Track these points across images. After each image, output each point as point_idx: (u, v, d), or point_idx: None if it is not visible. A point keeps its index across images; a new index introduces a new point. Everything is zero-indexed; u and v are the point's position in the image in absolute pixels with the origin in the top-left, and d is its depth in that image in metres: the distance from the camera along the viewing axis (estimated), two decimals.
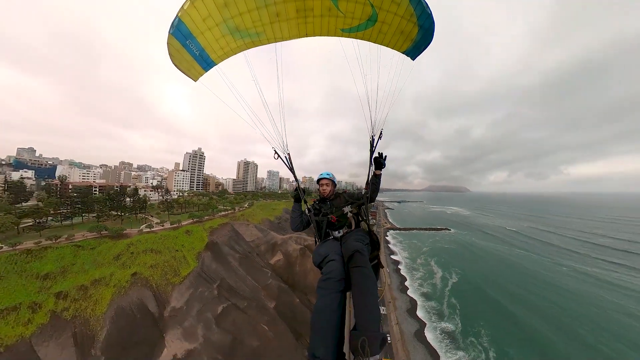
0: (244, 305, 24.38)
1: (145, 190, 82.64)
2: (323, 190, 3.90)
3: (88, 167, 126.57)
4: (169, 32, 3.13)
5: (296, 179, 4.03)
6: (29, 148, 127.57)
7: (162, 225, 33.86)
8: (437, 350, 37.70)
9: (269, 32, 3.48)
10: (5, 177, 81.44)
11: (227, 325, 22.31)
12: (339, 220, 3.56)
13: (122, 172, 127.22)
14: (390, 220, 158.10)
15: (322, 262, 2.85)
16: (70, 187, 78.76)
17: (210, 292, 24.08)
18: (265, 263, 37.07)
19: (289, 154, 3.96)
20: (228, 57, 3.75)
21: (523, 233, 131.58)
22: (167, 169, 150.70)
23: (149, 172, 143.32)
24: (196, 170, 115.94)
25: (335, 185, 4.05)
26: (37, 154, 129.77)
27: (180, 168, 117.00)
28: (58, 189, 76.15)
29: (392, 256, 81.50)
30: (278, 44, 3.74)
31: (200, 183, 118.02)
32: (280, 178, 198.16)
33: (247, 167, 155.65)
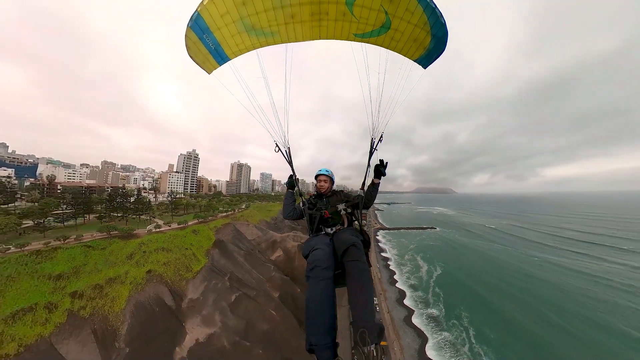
0: (253, 294, 27.02)
1: (145, 192, 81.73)
2: (320, 186, 3.95)
3: (69, 166, 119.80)
4: (188, 25, 3.24)
5: (293, 171, 4.09)
6: (0, 143, 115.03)
7: (169, 226, 35.66)
8: (425, 332, 42.06)
9: (283, 33, 3.54)
10: None
11: (240, 311, 24.90)
12: (332, 218, 3.59)
13: (110, 173, 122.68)
14: (380, 221, 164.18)
15: (310, 253, 2.87)
16: (58, 187, 76.42)
17: (222, 284, 26.56)
18: (267, 259, 39.82)
19: (289, 148, 4.06)
20: (242, 54, 3.82)
21: (501, 230, 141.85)
22: (154, 169, 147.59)
23: (136, 173, 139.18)
24: (190, 172, 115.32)
25: (333, 182, 4.08)
26: (9, 150, 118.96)
27: (174, 169, 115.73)
28: (46, 189, 73.47)
29: (382, 253, 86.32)
30: (289, 45, 3.74)
31: (195, 185, 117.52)
32: (272, 180, 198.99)
33: (240, 169, 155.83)
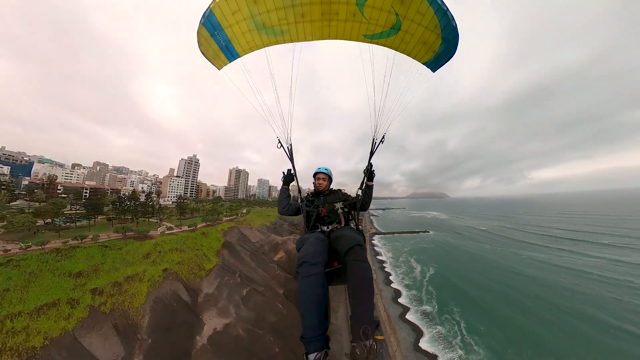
0: (261, 289, 29.33)
1: (152, 195, 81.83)
2: (319, 184, 3.96)
3: (62, 165, 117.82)
4: (200, 21, 3.33)
5: (294, 167, 4.11)
6: None
7: (180, 228, 37.82)
8: (419, 327, 44.76)
9: (293, 32, 3.57)
10: None
11: (251, 304, 27.15)
12: (329, 216, 3.63)
13: (107, 175, 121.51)
14: (375, 226, 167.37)
15: (301, 247, 2.91)
16: (59, 187, 76.14)
17: (234, 280, 28.83)
18: (270, 260, 42.16)
19: (291, 144, 4.09)
20: (252, 51, 3.86)
21: (491, 231, 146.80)
22: (147, 172, 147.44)
23: (132, 176, 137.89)
24: (190, 177, 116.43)
25: (331, 180, 4.07)
26: None
27: (175, 174, 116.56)
28: (45, 188, 72.99)
29: (377, 256, 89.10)
30: (297, 44, 3.76)
31: (194, 189, 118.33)
32: (269, 186, 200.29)
33: (238, 175, 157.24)
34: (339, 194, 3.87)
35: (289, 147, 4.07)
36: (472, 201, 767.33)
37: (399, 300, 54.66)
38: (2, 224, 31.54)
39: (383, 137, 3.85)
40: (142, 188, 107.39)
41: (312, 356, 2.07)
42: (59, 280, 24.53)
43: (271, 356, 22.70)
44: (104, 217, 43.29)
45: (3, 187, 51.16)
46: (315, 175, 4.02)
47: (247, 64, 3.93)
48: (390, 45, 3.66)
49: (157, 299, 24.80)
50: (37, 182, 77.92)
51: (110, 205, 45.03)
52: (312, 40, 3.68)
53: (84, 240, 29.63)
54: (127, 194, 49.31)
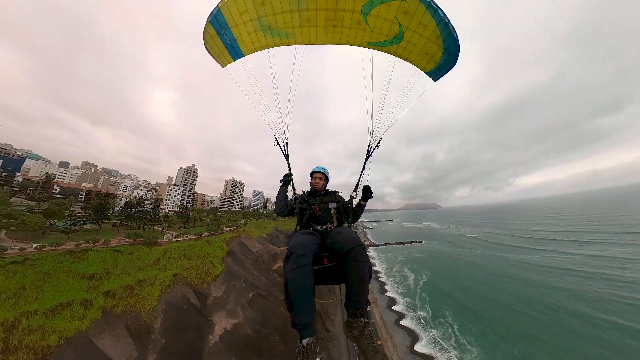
0: (264, 294, 30.97)
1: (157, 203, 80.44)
2: (315, 183, 3.97)
3: (49, 162, 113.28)
4: (207, 19, 3.43)
5: (289, 165, 4.15)
6: None
7: (186, 236, 39.32)
8: (414, 331, 46.59)
9: (298, 35, 3.68)
10: None
11: (256, 307, 28.73)
12: (323, 215, 3.63)
13: (102, 177, 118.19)
14: (369, 238, 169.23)
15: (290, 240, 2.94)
16: (55, 187, 74.14)
17: (240, 285, 30.48)
18: (270, 268, 43.67)
19: (287, 142, 4.14)
20: (256, 52, 3.96)
21: (480, 238, 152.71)
22: (137, 177, 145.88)
23: (126, 180, 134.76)
24: (188, 186, 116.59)
25: (328, 180, 4.10)
26: None
27: (173, 182, 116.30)
28: (39, 186, 70.54)
29: (373, 268, 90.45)
30: (299, 48, 3.86)
31: (191, 199, 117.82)
32: (264, 198, 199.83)
33: (234, 186, 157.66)
34: (335, 196, 3.90)
35: (285, 145, 4.11)
36: (463, 210, 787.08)
37: (394, 307, 56.37)
38: (12, 222, 32.21)
39: (379, 142, 3.90)
40: (138, 194, 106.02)
41: (305, 341, 2.30)
42: (73, 282, 25.26)
43: (277, 354, 24.27)
44: (109, 222, 43.98)
45: (2, 182, 50.79)
46: (312, 174, 4.02)
47: (251, 62, 3.98)
48: (394, 53, 3.78)
49: (168, 302, 26.25)
50: (33, 179, 75.45)
51: (112, 211, 45.84)
52: (316, 44, 3.81)
53: (95, 243, 30.75)
54: (132, 200, 50.20)
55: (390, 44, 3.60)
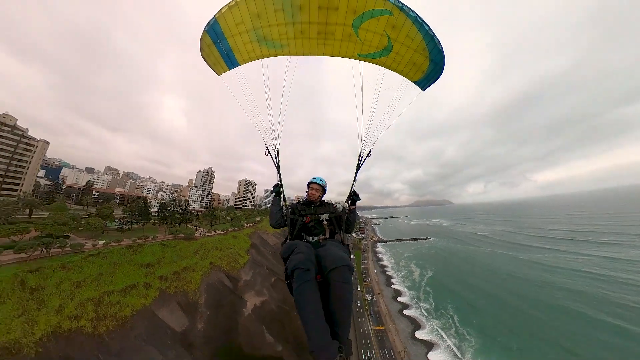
0: (284, 279, 36.91)
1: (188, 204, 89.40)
2: (312, 194, 3.92)
3: (82, 170, 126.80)
4: (204, 29, 3.54)
5: (279, 174, 4.12)
6: None
7: (216, 232, 46.07)
8: (417, 320, 50.93)
9: (292, 46, 3.81)
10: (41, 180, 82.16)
11: (278, 289, 34.57)
12: (315, 227, 3.58)
13: (129, 182, 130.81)
14: (377, 235, 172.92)
15: (291, 254, 2.84)
16: (94, 193, 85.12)
17: (263, 271, 36.46)
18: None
19: (278, 152, 4.19)
20: (251, 61, 4.09)
21: (491, 236, 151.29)
22: (155, 179, 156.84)
23: (149, 183, 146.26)
24: (206, 188, 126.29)
25: (325, 192, 4.04)
26: None
27: (194, 184, 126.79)
28: (80, 193, 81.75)
29: (379, 262, 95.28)
30: (294, 59, 4.02)
31: (209, 199, 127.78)
32: None
33: (247, 186, 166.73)
34: (330, 207, 3.84)
35: (276, 155, 4.17)
36: (476, 207, 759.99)
37: (398, 299, 60.91)
38: (79, 224, 39.74)
39: (370, 152, 4.02)
40: (162, 196, 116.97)
41: None
42: (135, 269, 32.11)
43: (297, 327, 29.72)
44: (150, 221, 51.60)
45: (60, 192, 59.63)
46: (309, 184, 4.00)
47: (246, 72, 4.18)
48: (383, 65, 3.98)
49: (208, 284, 32.52)
50: (74, 186, 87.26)
51: (150, 212, 53.46)
52: (310, 55, 3.98)
53: (146, 239, 37.76)
54: (166, 202, 57.83)
55: (380, 55, 3.80)
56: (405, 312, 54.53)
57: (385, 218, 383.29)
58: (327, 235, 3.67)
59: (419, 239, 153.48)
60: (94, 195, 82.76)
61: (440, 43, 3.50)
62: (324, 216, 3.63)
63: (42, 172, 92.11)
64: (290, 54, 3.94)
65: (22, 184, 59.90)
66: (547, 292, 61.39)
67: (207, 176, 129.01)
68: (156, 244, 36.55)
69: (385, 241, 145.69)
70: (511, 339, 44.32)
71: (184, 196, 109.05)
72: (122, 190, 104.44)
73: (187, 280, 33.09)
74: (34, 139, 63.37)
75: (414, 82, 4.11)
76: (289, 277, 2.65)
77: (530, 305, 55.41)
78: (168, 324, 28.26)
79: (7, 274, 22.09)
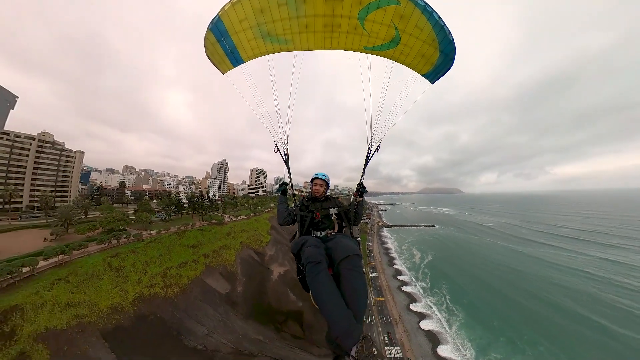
0: None
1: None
2: (316, 189, 3.96)
3: (110, 171, 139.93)
4: (208, 27, 3.51)
5: (289, 172, 4.15)
6: None
7: (240, 217, 54.56)
8: (413, 295, 58.68)
9: (297, 41, 3.75)
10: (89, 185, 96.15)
11: None
12: (323, 222, 3.66)
13: (150, 178, 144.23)
14: (383, 220, 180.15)
15: (300, 249, 2.89)
16: (126, 191, 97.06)
17: (283, 248, 44.76)
18: None
19: (287, 149, 4.16)
20: (256, 58, 4.05)
21: (496, 228, 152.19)
22: (169, 173, 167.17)
23: (168, 178, 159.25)
24: (222, 178, 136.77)
25: (329, 187, 4.09)
26: None
27: (210, 176, 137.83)
28: (115, 193, 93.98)
29: (383, 245, 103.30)
30: (299, 53, 3.91)
31: (225, 189, 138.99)
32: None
33: (258, 174, 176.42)
34: (335, 201, 3.91)
35: (285, 151, 4.13)
36: (487, 197, 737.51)
37: (399, 277, 68.81)
38: (131, 219, 48.64)
39: (378, 146, 3.98)
40: (182, 189, 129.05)
41: (354, 350, 1.96)
42: (183, 250, 40.89)
43: None
44: (184, 212, 60.62)
45: (99, 194, 70.85)
46: (312, 180, 4.07)
47: (250, 69, 4.07)
48: (390, 57, 3.86)
49: (241, 259, 40.98)
50: (107, 187, 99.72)
51: (189, 203, 62.52)
52: (315, 49, 3.91)
53: (187, 226, 46.34)
54: (193, 195, 66.79)
55: (388, 47, 3.72)
56: (404, 288, 62.48)
57: (392, 204, 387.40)
58: (336, 229, 3.70)
59: (423, 225, 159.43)
60: (127, 193, 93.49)
61: (450, 33, 3.42)
62: (333, 211, 3.69)
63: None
64: (295, 49, 3.93)
65: (70, 191, 70.62)
66: (537, 285, 64.57)
67: (222, 168, 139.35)
68: (196, 230, 45.12)
69: (391, 226, 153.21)
70: (493, 317, 49.85)
71: (204, 188, 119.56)
72: (148, 187, 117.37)
73: (224, 256, 41.66)
74: (71, 150, 72.78)
75: (422, 75, 4.04)
76: (301, 272, 2.84)
77: (517, 294, 59.70)
78: (215, 289, 37.06)
79: (98, 260, 29.64)
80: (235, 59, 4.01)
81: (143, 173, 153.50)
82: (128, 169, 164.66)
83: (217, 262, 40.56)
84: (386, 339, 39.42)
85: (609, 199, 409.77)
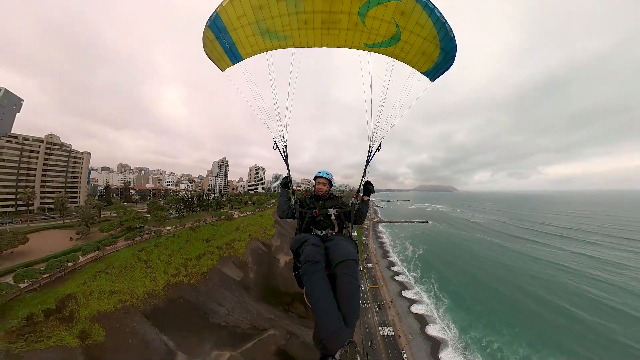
0: None
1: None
2: (319, 188, 3.94)
3: (106, 171, 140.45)
4: (206, 24, 3.46)
5: (288, 168, 4.16)
6: None
7: (246, 213, 59.17)
8: (405, 284, 64.56)
9: (296, 38, 3.71)
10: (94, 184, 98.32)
11: None
12: (323, 221, 3.63)
13: (150, 177, 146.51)
14: (379, 216, 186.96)
15: (299, 247, 2.91)
16: (131, 191, 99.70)
17: (287, 239, 49.51)
18: None
19: (286, 146, 4.17)
20: (255, 55, 4.00)
21: (485, 225, 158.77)
22: (164, 171, 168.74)
23: (166, 176, 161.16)
24: (223, 176, 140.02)
25: (332, 185, 4.08)
26: None
27: (212, 174, 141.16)
28: (120, 192, 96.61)
29: (378, 239, 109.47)
30: (297, 50, 3.87)
31: (225, 186, 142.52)
32: None
33: (257, 172, 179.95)
34: (338, 201, 3.90)
35: (284, 148, 4.15)
36: (480, 195, 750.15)
37: (392, 268, 74.79)
38: (146, 217, 52.16)
39: (379, 146, 3.96)
40: (183, 187, 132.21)
41: (338, 354, 1.98)
42: (199, 243, 44.87)
43: None
44: (192, 209, 64.43)
45: (110, 194, 73.72)
46: (315, 179, 4.03)
47: (250, 66, 4.07)
48: (391, 54, 3.81)
49: (251, 249, 45.69)
50: (112, 187, 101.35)
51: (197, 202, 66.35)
52: (314, 46, 3.88)
53: (200, 222, 50.54)
54: (200, 193, 70.54)
55: (388, 44, 3.67)
56: (396, 278, 68.38)
57: (388, 201, 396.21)
58: (336, 229, 3.68)
59: (417, 221, 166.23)
60: (131, 192, 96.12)
61: (452, 31, 3.37)
62: (333, 211, 3.67)
63: None
64: (295, 46, 3.89)
65: (79, 191, 72.40)
66: (517, 277, 70.42)
67: (223, 166, 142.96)
68: (208, 225, 49.52)
69: (386, 222, 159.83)
70: (476, 304, 55.49)
71: (206, 185, 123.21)
72: (151, 186, 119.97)
73: (236, 248, 46.32)
74: (79, 152, 74.39)
75: (422, 73, 3.99)
76: (297, 268, 2.84)
77: (498, 284, 65.69)
78: (230, 276, 41.84)
79: (128, 254, 33.38)
80: (234, 56, 4.00)
81: (143, 172, 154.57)
82: (123, 167, 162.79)
83: (230, 253, 45.16)
84: (376, 308, 44.84)
85: (598, 200, 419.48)
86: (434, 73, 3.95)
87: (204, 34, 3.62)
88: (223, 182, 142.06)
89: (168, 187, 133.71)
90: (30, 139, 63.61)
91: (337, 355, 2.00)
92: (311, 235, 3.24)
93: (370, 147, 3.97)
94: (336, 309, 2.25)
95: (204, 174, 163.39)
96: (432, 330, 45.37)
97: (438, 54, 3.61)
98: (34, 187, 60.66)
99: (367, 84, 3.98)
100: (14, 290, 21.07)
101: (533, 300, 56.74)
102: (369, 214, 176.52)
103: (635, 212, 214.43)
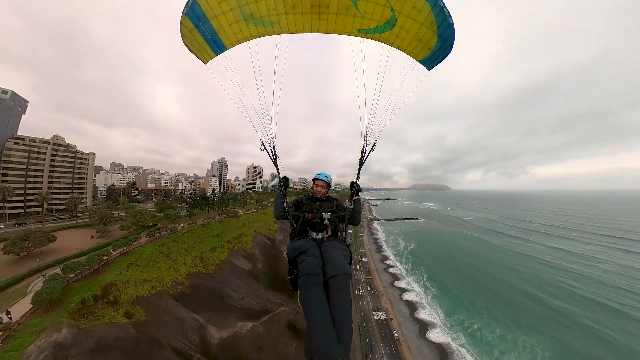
0: None
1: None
2: (317, 191, 3.91)
3: (106, 171, 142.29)
4: (183, 11, 3.15)
5: (277, 170, 4.04)
6: None
7: (250, 211, 63.61)
8: (397, 275, 70.40)
9: (283, 23, 3.45)
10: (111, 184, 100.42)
11: None
12: (318, 223, 3.59)
13: (149, 177, 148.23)
14: (374, 214, 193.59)
15: (297, 255, 2.94)
16: (133, 191, 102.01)
17: (289, 234, 54.37)
18: None
19: (274, 146, 3.98)
20: (240, 43, 3.70)
21: (474, 222, 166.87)
22: (159, 170, 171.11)
23: (164, 176, 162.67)
24: (222, 176, 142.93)
25: (330, 187, 4.03)
26: None
27: (212, 174, 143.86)
28: (121, 192, 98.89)
29: (373, 235, 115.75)
30: (283, 37, 3.64)
31: (224, 186, 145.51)
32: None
33: (255, 171, 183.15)
34: (333, 204, 3.90)
35: (272, 149, 3.97)
36: (471, 194, 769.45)
37: (385, 261, 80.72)
38: (159, 215, 55.56)
39: (374, 145, 3.83)
40: (182, 186, 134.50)
41: None
42: (211, 238, 48.80)
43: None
44: (199, 208, 68.18)
45: (118, 194, 76.07)
46: (314, 180, 3.99)
47: (235, 57, 3.73)
48: (385, 41, 3.57)
49: (257, 243, 50.18)
50: (116, 187, 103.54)
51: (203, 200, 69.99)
52: (303, 32, 3.61)
53: (210, 219, 54.45)
54: (205, 192, 74.11)
55: (382, 30, 3.45)
56: (389, 270, 74.21)
57: (383, 199, 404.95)
58: (329, 232, 3.64)
59: (410, 219, 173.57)
60: (134, 192, 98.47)
61: (450, 16, 3.19)
62: (327, 215, 3.63)
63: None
64: (282, 32, 3.63)
65: (86, 192, 73.83)
66: (498, 269, 76.94)
67: (222, 165, 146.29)
68: (217, 222, 53.57)
69: (380, 219, 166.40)
70: (460, 292, 61.93)
71: (207, 185, 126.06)
72: (152, 186, 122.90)
73: (243, 242, 50.65)
74: (84, 153, 75.47)
75: (418, 61, 3.78)
76: (293, 273, 2.95)
77: (481, 276, 72.17)
78: (241, 266, 46.22)
79: (151, 248, 36.96)
80: (217, 46, 3.68)
81: (142, 172, 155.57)
82: (116, 166, 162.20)
83: (239, 246, 49.51)
84: (369, 287, 49.79)
85: (582, 199, 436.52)
86: (431, 61, 3.82)
87: (181, 22, 3.36)
88: (222, 182, 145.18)
89: (167, 186, 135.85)
90: (37, 141, 65.05)
91: None
92: (309, 243, 3.25)
93: (364, 147, 3.92)
94: (331, 326, 2.26)
95: (199, 173, 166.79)
96: (421, 314, 51.14)
97: (435, 40, 3.49)
98: (41, 188, 61.81)
99: (361, 76, 3.82)
100: (66, 279, 24.67)
101: (510, 289, 63.24)
102: (364, 212, 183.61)
103: (614, 211, 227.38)
